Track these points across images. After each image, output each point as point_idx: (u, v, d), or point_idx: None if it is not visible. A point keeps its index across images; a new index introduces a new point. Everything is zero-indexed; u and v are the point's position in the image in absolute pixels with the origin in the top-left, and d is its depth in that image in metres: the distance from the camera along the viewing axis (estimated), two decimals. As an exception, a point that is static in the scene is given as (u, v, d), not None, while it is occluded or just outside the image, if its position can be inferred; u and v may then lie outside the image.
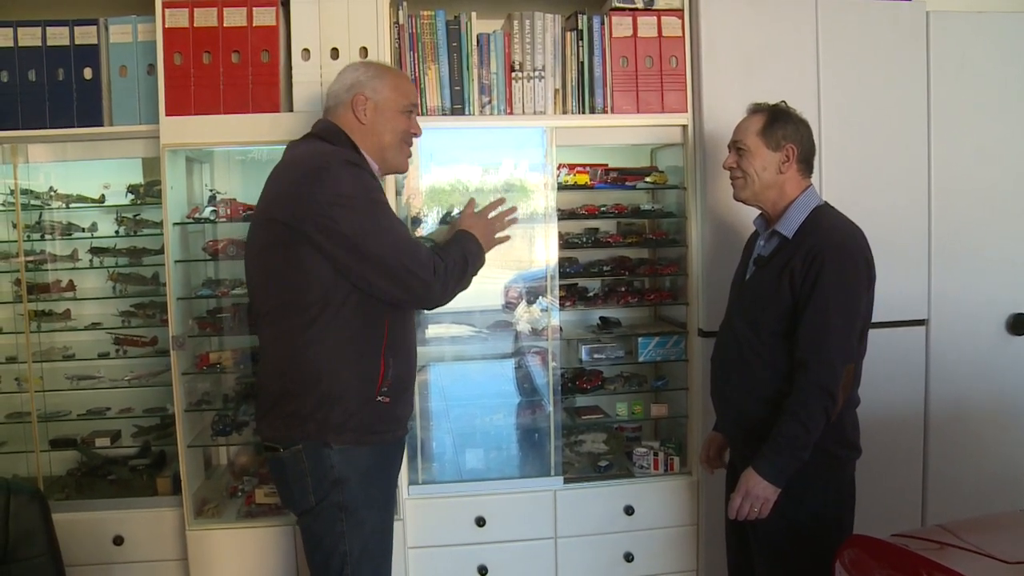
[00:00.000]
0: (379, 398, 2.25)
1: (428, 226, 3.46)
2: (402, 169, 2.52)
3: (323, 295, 2.17)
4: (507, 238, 2.55)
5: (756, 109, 2.49)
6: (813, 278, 2.27)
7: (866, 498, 2.54)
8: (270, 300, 2.27)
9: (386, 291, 2.20)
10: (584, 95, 3.31)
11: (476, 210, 2.51)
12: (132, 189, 3.36)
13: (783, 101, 2.49)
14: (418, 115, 2.51)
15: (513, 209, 2.56)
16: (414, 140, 2.49)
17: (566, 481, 3.39)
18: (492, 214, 2.50)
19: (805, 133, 2.44)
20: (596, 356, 3.56)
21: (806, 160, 2.45)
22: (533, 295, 3.54)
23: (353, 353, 2.22)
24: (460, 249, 2.33)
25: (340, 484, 2.22)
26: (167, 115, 3.06)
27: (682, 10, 3.32)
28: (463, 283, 2.33)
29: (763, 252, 2.48)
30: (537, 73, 3.26)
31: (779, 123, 2.41)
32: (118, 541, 3.22)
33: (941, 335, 3.45)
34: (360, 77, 2.35)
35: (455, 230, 2.44)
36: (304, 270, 2.17)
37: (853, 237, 2.34)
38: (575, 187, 3.49)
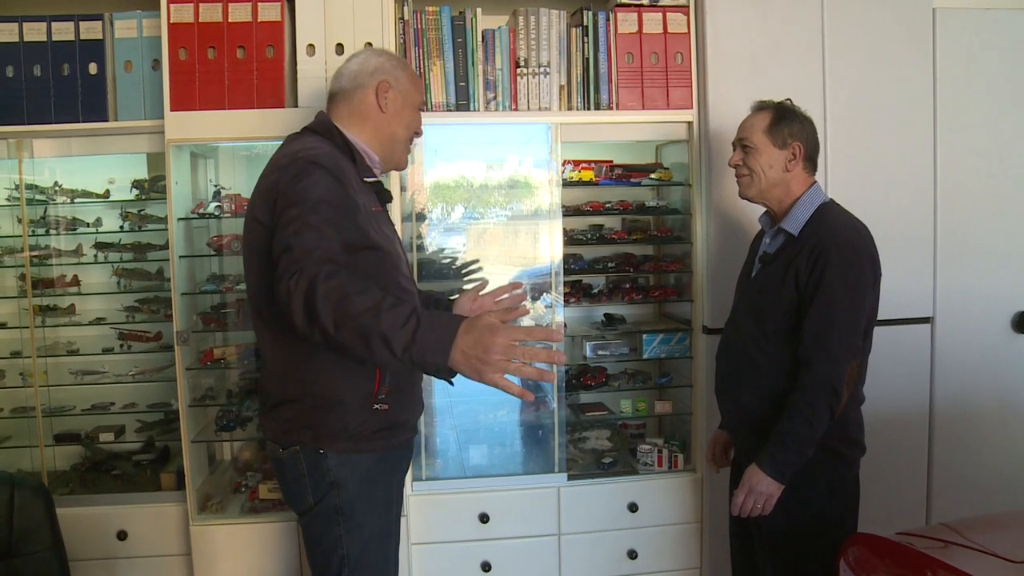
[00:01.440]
0: (376, 406, 2.16)
1: (433, 221, 3.46)
2: (402, 167, 2.44)
3: None
4: (525, 393, 1.86)
5: (761, 107, 2.49)
6: (818, 275, 2.27)
7: (871, 496, 2.54)
8: (264, 304, 2.18)
9: None
10: (589, 91, 3.30)
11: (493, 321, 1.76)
12: (137, 184, 3.37)
13: (788, 99, 2.49)
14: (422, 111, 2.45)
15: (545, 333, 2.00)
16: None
17: (570, 478, 3.39)
18: (518, 340, 1.73)
19: (810, 131, 2.44)
20: (600, 353, 3.56)
21: (811, 158, 2.45)
22: (537, 291, 3.53)
23: (347, 361, 2.09)
24: (376, 303, 1.74)
25: (337, 487, 2.16)
26: (172, 110, 3.06)
27: (687, 6, 3.31)
28: (338, 327, 1.75)
29: (769, 249, 2.48)
30: (542, 69, 3.26)
31: (785, 121, 2.41)
32: (122, 536, 3.22)
33: (946, 333, 3.44)
34: (384, 64, 2.29)
35: (452, 312, 2.15)
36: None
37: (858, 234, 2.34)
38: (580, 183, 3.48)
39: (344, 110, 2.29)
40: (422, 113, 2.41)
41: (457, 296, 2.48)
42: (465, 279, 3.15)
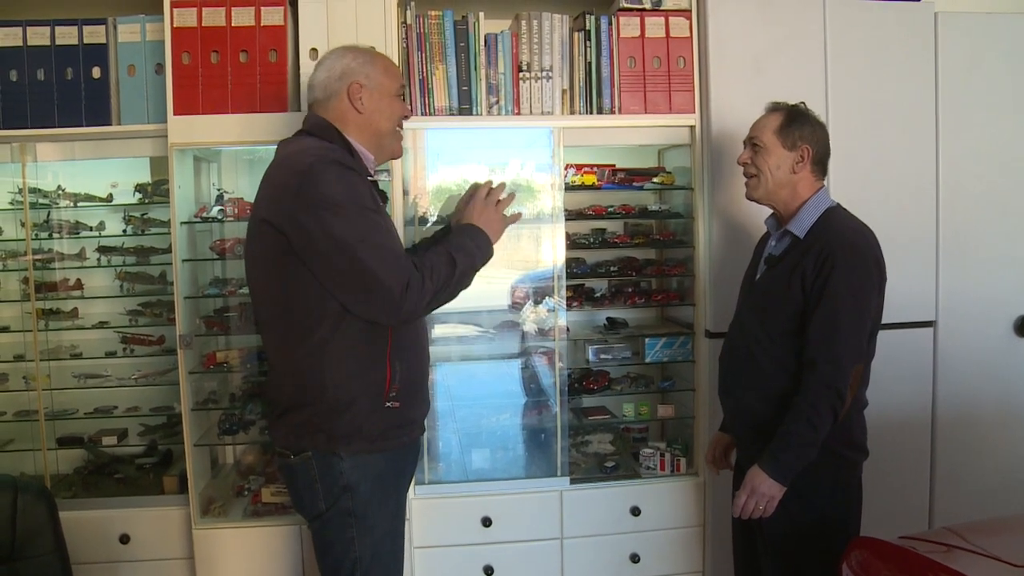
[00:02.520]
0: (388, 404, 2.18)
1: (435, 226, 3.46)
2: (398, 155, 2.46)
3: (320, 303, 2.10)
4: (518, 216, 2.50)
5: (775, 108, 2.49)
6: (824, 278, 2.27)
7: (873, 500, 2.54)
8: (269, 307, 2.22)
9: (353, 302, 2.11)
10: (591, 95, 3.30)
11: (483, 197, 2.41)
12: (140, 188, 3.37)
13: (802, 102, 2.49)
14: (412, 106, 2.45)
15: (502, 187, 2.46)
16: (412, 131, 2.43)
17: (572, 481, 3.38)
18: (502, 197, 2.42)
19: (821, 135, 2.45)
20: (603, 357, 3.56)
21: (820, 162, 2.45)
22: (540, 295, 3.54)
23: (357, 360, 2.16)
24: (450, 255, 2.20)
25: (350, 490, 2.18)
26: (175, 114, 3.06)
27: (690, 11, 3.32)
28: (449, 291, 2.20)
29: (774, 252, 2.49)
30: (544, 73, 3.26)
31: (796, 123, 2.42)
32: (124, 539, 3.23)
33: (949, 337, 3.44)
34: (351, 64, 2.26)
35: (461, 224, 2.36)
36: (298, 279, 2.10)
37: (864, 238, 2.34)
38: (582, 187, 3.48)
39: (326, 117, 2.29)
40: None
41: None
42: None
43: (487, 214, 2.37)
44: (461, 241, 2.27)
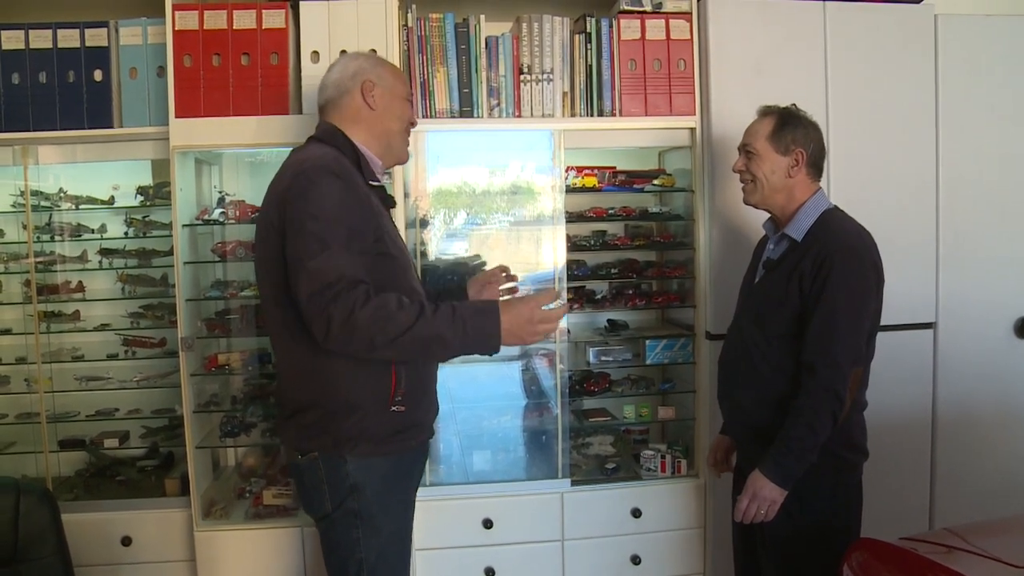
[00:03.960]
0: (393, 408, 2.19)
1: (436, 227, 3.46)
2: (404, 159, 2.46)
3: None
4: (552, 327, 2.11)
5: (766, 112, 2.48)
6: (822, 281, 2.27)
7: (874, 501, 2.54)
8: (274, 310, 2.22)
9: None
10: (592, 98, 3.31)
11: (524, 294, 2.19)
12: (141, 191, 3.38)
13: (793, 104, 2.48)
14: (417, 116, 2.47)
15: (565, 309, 2.28)
16: (413, 133, 2.46)
17: (573, 483, 3.39)
18: (549, 306, 2.10)
19: (815, 136, 2.44)
20: (603, 359, 3.56)
21: (815, 164, 2.44)
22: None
23: (362, 365, 2.14)
24: (437, 319, 1.99)
25: (355, 491, 2.19)
26: (177, 117, 3.07)
27: (690, 13, 3.32)
28: (395, 345, 1.97)
29: (772, 255, 2.49)
30: (545, 76, 3.27)
31: (789, 127, 2.41)
32: (126, 541, 3.23)
33: (949, 338, 3.44)
34: (363, 64, 2.32)
35: (489, 299, 2.21)
36: None
37: (862, 240, 2.34)
38: (583, 189, 3.49)
39: (336, 118, 2.31)
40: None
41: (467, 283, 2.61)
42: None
43: (522, 322, 2.05)
44: (464, 313, 2.04)
